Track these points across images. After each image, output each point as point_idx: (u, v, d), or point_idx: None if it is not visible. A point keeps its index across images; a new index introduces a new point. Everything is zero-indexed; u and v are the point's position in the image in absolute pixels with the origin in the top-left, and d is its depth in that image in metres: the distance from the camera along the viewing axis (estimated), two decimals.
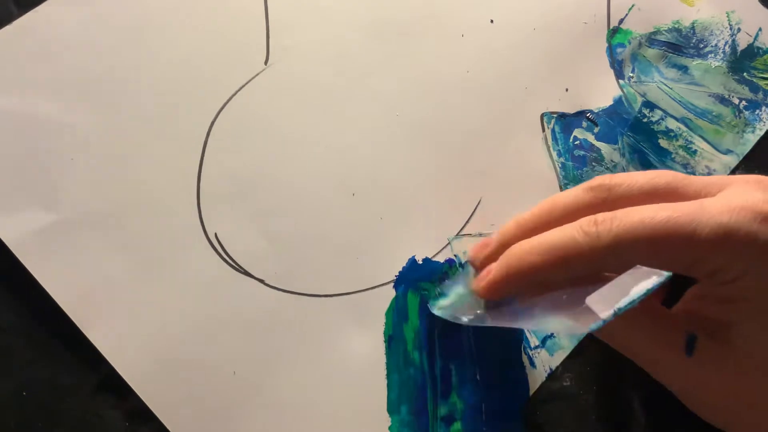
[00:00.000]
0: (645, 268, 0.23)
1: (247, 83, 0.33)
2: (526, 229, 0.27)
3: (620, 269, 0.24)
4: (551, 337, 0.33)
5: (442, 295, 0.32)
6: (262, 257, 0.32)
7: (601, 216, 0.24)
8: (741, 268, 0.23)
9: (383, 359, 0.32)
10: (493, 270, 0.27)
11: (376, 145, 0.34)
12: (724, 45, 0.38)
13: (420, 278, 0.33)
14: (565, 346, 0.33)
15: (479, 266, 0.29)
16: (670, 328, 0.26)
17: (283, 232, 0.32)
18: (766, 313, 0.24)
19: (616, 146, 0.36)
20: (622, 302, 0.22)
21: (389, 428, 0.31)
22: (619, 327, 0.26)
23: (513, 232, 0.28)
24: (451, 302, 0.31)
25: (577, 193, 0.27)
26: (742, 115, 0.38)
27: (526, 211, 0.34)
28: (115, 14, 0.33)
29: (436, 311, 0.31)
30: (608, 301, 0.23)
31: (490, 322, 0.27)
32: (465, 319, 0.28)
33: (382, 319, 0.32)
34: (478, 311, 0.28)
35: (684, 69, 0.38)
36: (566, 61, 0.37)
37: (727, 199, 0.24)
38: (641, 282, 0.22)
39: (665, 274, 0.22)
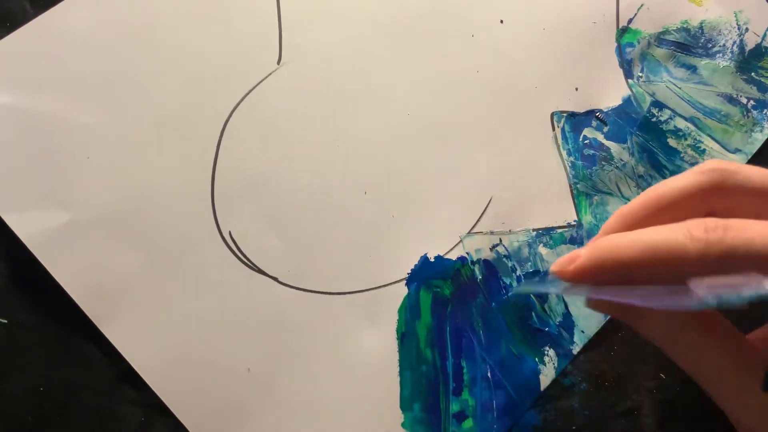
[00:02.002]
0: (759, 275, 0.21)
1: (260, 83, 0.34)
2: (630, 222, 0.25)
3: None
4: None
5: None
6: (275, 255, 0.32)
7: (713, 222, 0.22)
8: None
9: (396, 356, 0.32)
10: (583, 255, 0.24)
11: (387, 144, 0.34)
12: (732, 45, 0.39)
13: (432, 276, 0.33)
14: (577, 343, 0.33)
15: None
16: (747, 355, 0.24)
17: (296, 230, 0.33)
18: None
19: (626, 145, 0.36)
20: (732, 294, 0.20)
21: (402, 425, 0.31)
22: (691, 345, 0.24)
23: (616, 226, 0.25)
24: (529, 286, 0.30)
25: (688, 176, 0.24)
26: (750, 114, 0.38)
27: (535, 209, 0.35)
28: (130, 14, 0.33)
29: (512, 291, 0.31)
30: (714, 289, 0.21)
31: (570, 293, 0.25)
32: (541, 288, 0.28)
33: (395, 317, 0.33)
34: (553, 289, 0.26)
35: (692, 68, 0.38)
36: (576, 60, 0.37)
37: None
38: (753, 284, 0.20)
39: None
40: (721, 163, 0.24)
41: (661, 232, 0.23)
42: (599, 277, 0.24)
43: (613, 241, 0.24)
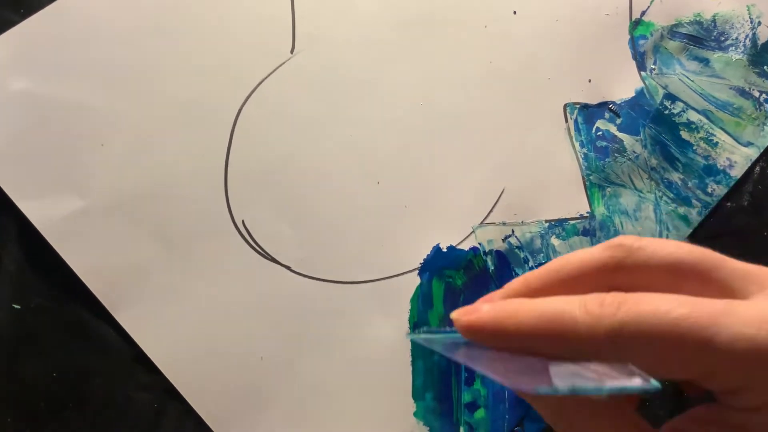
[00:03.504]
0: (632, 367, 0.20)
1: (273, 71, 0.34)
2: (533, 288, 0.24)
3: (617, 361, 0.21)
4: None
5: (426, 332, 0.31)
6: (288, 244, 0.32)
7: (610, 297, 0.21)
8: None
9: (408, 346, 0.32)
10: (483, 311, 0.23)
11: (400, 134, 0.34)
12: (745, 38, 0.39)
13: (444, 266, 0.33)
14: None
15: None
16: None
17: (309, 219, 0.33)
18: None
19: (638, 137, 0.36)
20: (586, 385, 0.19)
21: (414, 414, 0.31)
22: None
23: (518, 289, 0.25)
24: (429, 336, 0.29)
25: (593, 251, 0.24)
26: (762, 107, 0.38)
27: (547, 200, 0.35)
28: (144, 2, 0.33)
29: (410, 336, 0.30)
30: (573, 376, 0.20)
31: (454, 356, 0.24)
32: (437, 343, 0.27)
33: (407, 306, 0.32)
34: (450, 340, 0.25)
35: (705, 61, 0.38)
36: (589, 52, 0.37)
37: (763, 305, 0.20)
38: (621, 377, 0.20)
39: (654, 383, 0.19)
40: (627, 238, 0.23)
41: (556, 302, 0.22)
42: (494, 336, 0.23)
43: (513, 305, 0.23)
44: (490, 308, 0.23)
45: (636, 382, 0.19)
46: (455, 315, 0.23)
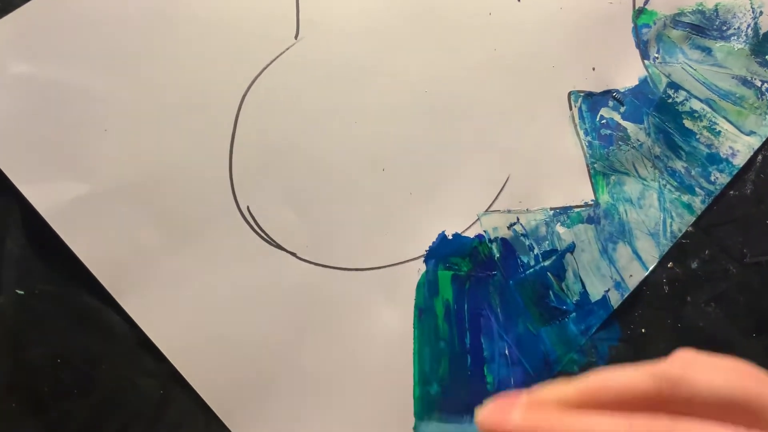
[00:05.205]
0: None
1: (277, 57, 0.33)
2: (569, 404, 0.22)
3: None
4: None
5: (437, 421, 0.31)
6: (293, 231, 0.32)
7: (659, 427, 0.20)
8: None
9: (414, 333, 0.32)
10: (513, 422, 0.21)
11: (405, 121, 0.34)
12: (747, 28, 0.39)
13: (450, 253, 0.33)
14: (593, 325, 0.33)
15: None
16: None
17: (314, 206, 0.32)
18: None
19: (642, 126, 0.36)
20: None
21: (420, 401, 0.31)
22: None
23: (551, 401, 0.22)
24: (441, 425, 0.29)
25: (636, 376, 0.22)
26: (764, 96, 0.38)
27: (552, 188, 0.35)
28: None
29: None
30: None
31: None
32: None
33: (413, 294, 0.32)
34: None
35: (707, 51, 0.38)
36: (593, 40, 0.37)
37: None
38: None
39: None
40: (675, 366, 0.22)
41: (602, 425, 0.20)
42: None
43: (549, 422, 0.21)
44: (522, 419, 0.21)
45: None
46: (481, 418, 0.22)
